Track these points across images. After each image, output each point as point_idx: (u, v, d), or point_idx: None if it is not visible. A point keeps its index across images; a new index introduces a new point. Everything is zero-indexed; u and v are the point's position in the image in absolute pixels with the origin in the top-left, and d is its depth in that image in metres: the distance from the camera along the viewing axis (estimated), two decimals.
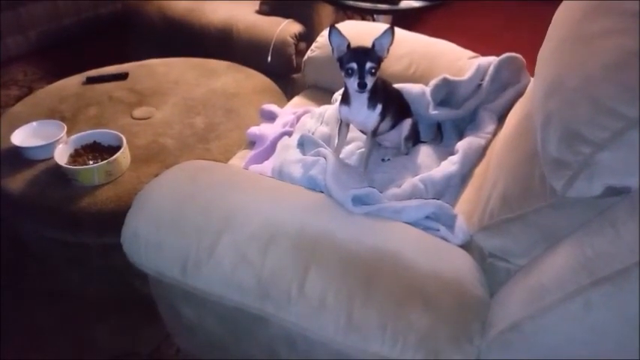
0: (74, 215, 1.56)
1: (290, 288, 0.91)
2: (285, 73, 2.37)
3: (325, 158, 1.21)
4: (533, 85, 1.02)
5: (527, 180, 0.92)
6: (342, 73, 1.21)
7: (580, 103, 0.77)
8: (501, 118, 1.44)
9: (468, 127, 1.47)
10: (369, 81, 1.18)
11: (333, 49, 1.21)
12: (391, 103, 1.34)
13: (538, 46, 1.03)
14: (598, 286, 0.70)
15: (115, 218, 1.56)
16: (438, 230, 1.07)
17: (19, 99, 2.35)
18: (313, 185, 1.15)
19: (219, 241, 0.96)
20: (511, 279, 0.91)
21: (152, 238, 1.00)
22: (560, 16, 1.00)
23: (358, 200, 1.07)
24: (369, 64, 1.17)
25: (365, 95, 1.25)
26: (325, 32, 1.81)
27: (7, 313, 1.69)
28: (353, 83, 1.19)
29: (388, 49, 1.20)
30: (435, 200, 1.12)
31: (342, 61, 1.21)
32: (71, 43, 3.35)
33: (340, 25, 1.85)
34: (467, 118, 1.49)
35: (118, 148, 1.65)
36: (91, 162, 1.64)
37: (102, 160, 1.62)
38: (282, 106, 1.97)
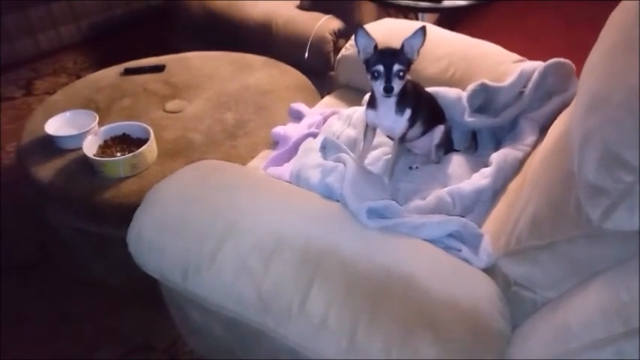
0: (98, 206, 1.56)
1: (291, 303, 0.85)
2: (322, 70, 2.30)
3: (345, 164, 1.14)
4: (576, 97, 0.91)
5: (561, 204, 0.82)
6: (368, 76, 1.14)
7: (624, 121, 0.66)
8: (544, 129, 1.32)
9: (506, 137, 1.36)
10: (397, 85, 1.10)
11: (359, 51, 1.14)
12: (422, 108, 1.25)
13: (589, 45, 0.91)
14: (632, 338, 0.61)
15: (137, 210, 1.57)
16: (460, 251, 0.98)
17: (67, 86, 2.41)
18: (329, 193, 1.09)
19: (222, 248, 0.91)
20: (537, 313, 0.82)
21: (155, 240, 0.96)
22: (614, 19, 0.89)
23: (374, 213, 1.00)
24: (396, 67, 1.09)
25: (392, 99, 1.17)
26: None
27: (30, 299, 1.73)
28: (379, 87, 1.11)
29: (419, 51, 1.11)
30: (459, 217, 1.03)
31: (368, 63, 1.13)
32: (121, 32, 3.42)
33: (378, 23, 1.79)
34: (506, 127, 1.38)
35: (146, 141, 1.64)
36: (118, 154, 1.63)
37: (129, 153, 1.61)
38: (314, 104, 1.92)
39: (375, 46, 1.12)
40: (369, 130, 1.30)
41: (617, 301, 0.65)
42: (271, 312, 0.87)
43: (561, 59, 1.35)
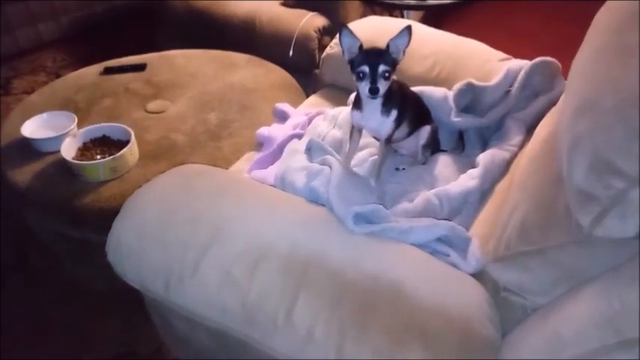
0: (78, 211, 1.52)
1: (277, 314, 0.83)
2: (307, 68, 2.28)
3: (330, 167, 1.12)
4: (563, 99, 0.90)
5: (550, 208, 0.80)
6: (353, 77, 1.11)
7: (614, 127, 0.65)
8: (530, 129, 1.31)
9: (492, 137, 1.34)
10: (382, 86, 1.08)
11: (343, 51, 1.12)
12: (408, 108, 1.23)
13: (575, 42, 0.90)
14: (625, 348, 0.59)
15: (117, 216, 1.53)
16: (448, 255, 0.96)
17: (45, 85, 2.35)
18: (315, 197, 1.06)
19: (205, 257, 0.89)
20: (527, 320, 0.81)
21: (135, 248, 0.93)
22: (601, 20, 0.87)
23: (361, 218, 0.97)
24: (382, 68, 1.07)
25: (378, 100, 1.15)
26: None
27: (9, 304, 1.68)
28: (364, 88, 1.09)
29: (404, 51, 1.09)
30: (446, 221, 1.02)
31: (353, 64, 1.11)
32: (102, 30, 3.35)
33: (363, 21, 1.76)
34: (492, 126, 1.37)
35: (127, 143, 1.60)
36: (98, 156, 1.59)
37: (109, 155, 1.57)
38: (299, 103, 1.89)
39: (360, 46, 1.10)
40: (355, 131, 1.27)
41: (609, 310, 0.64)
42: (256, 323, 0.84)
43: (547, 58, 1.34)
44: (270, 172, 1.23)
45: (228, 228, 0.92)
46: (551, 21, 3.19)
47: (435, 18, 2.31)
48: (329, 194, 1.02)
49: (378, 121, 1.19)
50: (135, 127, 1.69)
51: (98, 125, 1.66)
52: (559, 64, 1.35)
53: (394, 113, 1.18)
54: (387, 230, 0.97)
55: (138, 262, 0.92)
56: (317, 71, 2.30)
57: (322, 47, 2.25)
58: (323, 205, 1.04)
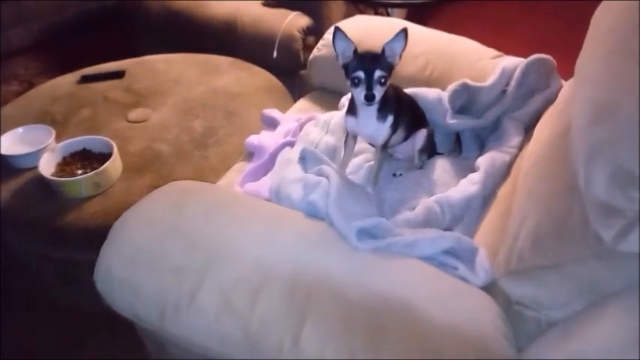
0: (60, 230, 1.44)
1: (282, 344, 0.78)
2: (291, 69, 2.22)
3: (328, 179, 1.07)
4: (571, 101, 0.86)
5: (564, 219, 0.77)
6: (348, 82, 1.07)
7: (637, 136, 0.61)
8: (528, 129, 1.28)
9: (490, 138, 1.31)
10: (378, 92, 1.04)
11: (337, 55, 1.07)
12: (404, 112, 1.18)
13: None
14: None
15: (102, 234, 1.42)
16: (456, 269, 0.92)
17: (19, 94, 2.24)
18: (313, 212, 1.02)
19: (202, 284, 0.83)
20: (545, 336, 0.77)
21: (126, 277, 0.87)
22: (604, 21, 0.84)
23: (364, 232, 0.93)
24: (378, 73, 1.02)
25: (374, 106, 1.11)
26: (333, 29, 1.66)
27: None
28: (359, 94, 1.04)
29: (401, 55, 1.05)
30: (452, 233, 0.98)
31: (347, 69, 1.06)
32: (75, 35, 3.23)
33: (350, 21, 1.71)
34: (489, 126, 1.33)
35: (109, 156, 1.53)
36: (79, 172, 1.52)
37: (91, 170, 1.50)
38: (287, 108, 1.83)
39: (355, 50, 1.05)
40: (350, 137, 1.23)
41: (635, 329, 0.61)
42: (261, 352, 0.80)
43: (542, 55, 1.31)
44: (264, 185, 1.18)
45: (224, 251, 0.87)
46: (533, 15, 3.18)
47: (418, 15, 2.27)
48: (328, 208, 0.98)
49: (374, 127, 1.15)
50: (116, 139, 1.62)
51: (78, 138, 1.59)
52: (554, 61, 1.32)
53: (390, 119, 1.14)
54: (392, 245, 0.92)
55: (130, 291, 0.87)
56: (302, 72, 2.25)
57: (306, 48, 2.20)
58: (322, 219, 1.00)
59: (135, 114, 1.81)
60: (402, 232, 0.98)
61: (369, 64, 1.02)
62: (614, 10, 0.80)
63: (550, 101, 1.27)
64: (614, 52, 0.73)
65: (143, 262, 0.87)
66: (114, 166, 1.52)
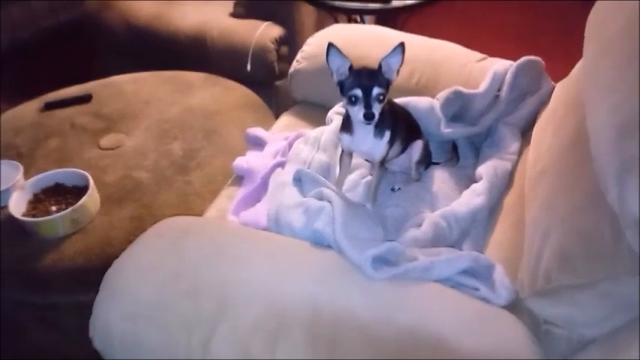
0: (38, 274, 1.34)
1: None
2: (267, 81, 2.16)
3: (330, 202, 1.02)
4: (576, 105, 0.83)
5: (592, 236, 0.74)
6: (344, 100, 1.02)
7: None
8: (524, 133, 1.27)
9: (484, 144, 1.29)
10: (377, 110, 0.99)
11: (332, 72, 1.02)
12: (400, 126, 1.14)
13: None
14: None
15: (86, 274, 1.36)
16: (477, 289, 0.88)
17: None
18: (319, 240, 0.96)
19: (215, 335, 0.77)
20: (580, 356, 0.74)
21: (128, 333, 0.80)
22: (614, 22, 0.82)
23: (378, 259, 0.88)
24: (376, 91, 0.98)
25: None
26: (312, 40, 1.61)
27: None
28: (357, 114, 0.99)
29: (398, 70, 1.01)
30: (469, 252, 0.94)
31: (343, 86, 1.01)
32: (29, 57, 3.06)
33: (330, 31, 1.66)
34: (482, 133, 1.31)
35: (84, 189, 1.43)
36: (53, 208, 1.42)
37: (66, 205, 1.40)
38: (268, 123, 1.76)
39: (351, 67, 1.00)
40: (345, 155, 1.18)
41: None
42: None
43: (532, 57, 1.29)
44: (260, 212, 1.11)
45: (234, 297, 0.80)
46: (500, 10, 3.21)
47: (388, 18, 2.24)
48: (336, 236, 0.93)
49: (371, 144, 1.10)
50: (90, 169, 1.53)
51: (48, 172, 1.48)
52: (542, 62, 1.31)
53: (387, 134, 1.10)
54: (409, 271, 0.88)
55: (133, 348, 0.79)
56: (278, 83, 2.19)
57: (280, 58, 2.14)
58: (329, 247, 0.95)
59: (107, 140, 1.71)
60: (415, 254, 0.94)
61: (366, 81, 0.98)
62: (624, 10, 0.78)
63: (543, 103, 1.26)
64: (631, 60, 0.70)
65: (146, 315, 0.80)
66: (91, 200, 1.42)
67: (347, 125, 1.11)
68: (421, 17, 2.37)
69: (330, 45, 0.99)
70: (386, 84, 1.00)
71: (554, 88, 1.25)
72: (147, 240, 0.91)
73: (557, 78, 1.24)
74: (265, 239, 0.96)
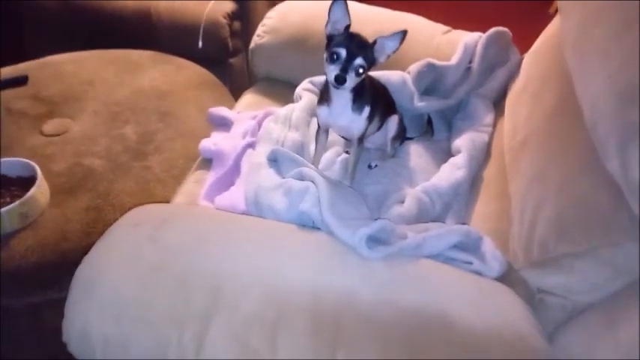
0: None
1: None
2: (220, 58, 2.05)
3: (314, 182, 0.98)
4: (555, 74, 0.83)
5: (589, 204, 0.74)
6: (325, 55, 0.96)
7: None
8: (495, 104, 1.27)
9: (457, 117, 1.28)
10: (351, 79, 0.94)
11: (327, 22, 0.96)
12: (378, 102, 1.11)
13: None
14: None
15: (39, 272, 1.24)
16: (470, 263, 0.88)
17: None
18: (306, 222, 0.92)
19: (209, 329, 0.71)
20: (583, 323, 0.75)
21: (112, 336, 0.72)
22: None
23: (370, 239, 0.85)
24: (358, 61, 0.94)
25: (348, 95, 1.02)
26: (273, 14, 1.54)
27: None
28: (331, 72, 0.94)
29: (389, 56, 0.96)
30: (460, 226, 0.93)
31: (330, 40, 0.96)
32: None
33: (290, 3, 1.59)
34: (454, 105, 1.30)
35: (30, 180, 1.30)
36: None
37: (12, 198, 1.27)
38: (226, 102, 1.68)
39: (347, 27, 0.96)
40: (322, 132, 1.13)
41: None
42: None
43: (500, 28, 1.29)
44: (237, 196, 1.05)
45: (226, 286, 0.75)
46: None
47: None
48: (324, 217, 0.89)
49: (349, 119, 1.06)
50: (35, 158, 1.39)
51: None
52: (510, 34, 1.31)
53: (367, 110, 1.06)
54: (403, 249, 0.85)
55: (119, 351, 0.72)
56: (232, 60, 2.10)
57: (233, 34, 2.04)
58: (317, 229, 0.91)
59: (51, 126, 1.57)
60: (404, 231, 0.92)
61: (355, 47, 0.93)
62: None
63: (512, 74, 1.26)
64: (632, 26, 0.70)
65: (129, 314, 0.73)
66: (40, 191, 1.30)
67: (325, 98, 1.06)
68: None
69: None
70: (371, 61, 0.96)
71: (522, 59, 1.26)
72: (121, 230, 0.83)
73: None
74: (251, 224, 0.90)
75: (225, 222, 0.89)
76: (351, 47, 0.93)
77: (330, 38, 0.96)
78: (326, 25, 0.96)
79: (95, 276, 0.77)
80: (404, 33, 0.94)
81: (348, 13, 0.95)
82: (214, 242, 0.81)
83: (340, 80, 0.94)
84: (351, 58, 0.93)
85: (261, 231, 0.87)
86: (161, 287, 0.74)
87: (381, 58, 0.96)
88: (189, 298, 0.73)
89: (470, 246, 0.91)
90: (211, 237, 0.82)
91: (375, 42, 0.95)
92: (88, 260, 0.80)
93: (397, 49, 0.96)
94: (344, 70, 0.94)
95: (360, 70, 0.95)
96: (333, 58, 0.94)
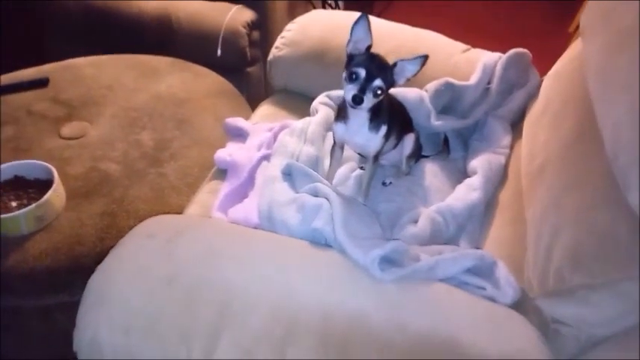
0: (0, 276, 1.23)
1: None
2: (238, 67, 2.07)
3: (328, 199, 0.97)
4: (574, 99, 0.82)
5: (607, 236, 0.73)
6: (344, 73, 0.96)
7: None
8: (513, 126, 1.26)
9: (474, 137, 1.27)
10: (368, 100, 0.94)
11: (349, 41, 0.96)
12: (396, 120, 1.11)
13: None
14: None
15: (52, 275, 1.25)
16: (483, 289, 0.87)
17: None
18: (318, 239, 0.92)
19: (218, 346, 0.71)
20: (591, 355, 0.73)
21: (121, 347, 0.73)
22: (621, 16, 0.80)
23: (383, 259, 0.85)
24: (377, 82, 0.93)
25: (365, 114, 1.02)
26: (293, 26, 1.54)
27: None
28: (349, 92, 0.93)
29: (409, 79, 0.96)
30: (474, 250, 0.92)
31: (350, 60, 0.96)
32: None
33: (309, 17, 1.60)
34: (471, 125, 1.29)
35: (47, 182, 1.32)
36: (14, 204, 1.30)
37: (28, 200, 1.29)
38: (243, 112, 1.69)
39: (369, 47, 0.96)
40: (337, 147, 1.13)
41: None
42: None
43: (520, 50, 1.28)
44: (251, 209, 1.05)
45: (236, 301, 0.75)
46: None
47: (362, 8, 2.20)
48: (337, 236, 0.88)
49: (366, 137, 1.06)
50: (52, 160, 1.41)
51: (7, 164, 1.36)
52: (530, 55, 1.30)
53: (384, 129, 1.06)
54: (416, 271, 0.85)
55: None
56: (250, 69, 2.11)
57: (252, 43, 2.06)
58: (328, 245, 0.91)
59: (69, 129, 1.59)
60: (417, 253, 0.91)
61: (375, 68, 0.93)
62: (634, 5, 0.77)
63: (532, 96, 1.25)
64: None
65: (139, 327, 0.73)
66: (57, 194, 1.31)
67: (342, 115, 1.06)
68: (392, 7, 2.34)
69: (365, 15, 0.94)
70: (390, 83, 0.96)
71: (541, 81, 1.25)
72: (136, 240, 0.83)
73: None
74: (263, 239, 0.90)
75: (238, 236, 0.89)
76: (370, 68, 0.93)
77: (350, 57, 0.96)
78: (347, 43, 0.96)
79: (106, 286, 0.77)
80: (425, 58, 0.94)
81: (371, 33, 0.95)
82: (226, 256, 0.81)
83: (357, 100, 0.94)
84: (370, 78, 0.93)
85: (272, 247, 0.87)
86: (170, 300, 0.75)
87: (400, 81, 0.96)
88: (198, 312, 0.73)
89: (484, 271, 0.90)
90: (223, 251, 0.82)
91: (395, 64, 0.95)
92: (100, 270, 0.80)
93: (417, 73, 0.95)
94: (362, 91, 0.93)
95: (379, 92, 0.95)
96: (352, 78, 0.94)
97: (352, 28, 0.95)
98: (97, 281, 0.79)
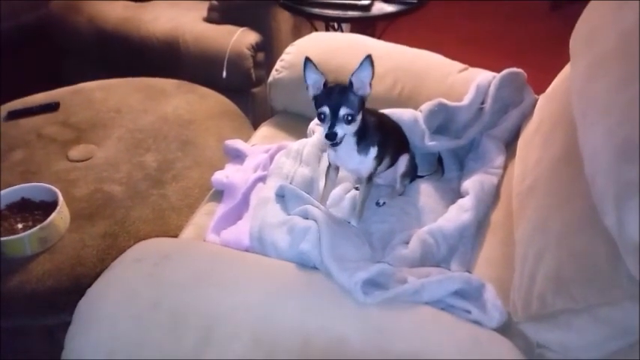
0: (4, 297, 1.26)
1: None
2: (243, 88, 2.11)
3: (316, 222, 0.98)
4: (562, 121, 0.82)
5: (588, 259, 0.72)
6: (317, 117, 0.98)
7: None
8: (507, 145, 1.26)
9: (468, 157, 1.27)
10: (342, 130, 0.95)
11: (308, 86, 0.98)
12: (389, 141, 1.11)
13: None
14: None
15: (54, 295, 1.29)
16: (468, 312, 0.86)
17: None
18: (305, 261, 0.93)
19: None
20: None
21: None
22: (606, 41, 0.81)
23: (368, 282, 0.85)
24: (343, 111, 0.94)
25: (352, 139, 1.03)
26: (291, 49, 1.57)
27: None
28: (323, 132, 0.95)
29: (370, 84, 0.97)
30: (460, 273, 0.92)
31: (316, 102, 0.98)
32: None
33: (308, 39, 1.62)
34: (466, 145, 1.29)
35: (53, 205, 1.36)
36: (19, 225, 1.34)
37: (34, 222, 1.33)
38: (246, 132, 1.72)
39: (325, 83, 0.97)
40: (332, 169, 1.15)
41: None
42: None
43: (514, 69, 1.28)
44: (242, 231, 1.07)
45: (218, 327, 0.76)
46: (469, 15, 3.24)
47: (365, 29, 2.22)
48: (323, 258, 0.89)
49: (357, 160, 1.07)
50: (59, 182, 1.46)
51: (14, 187, 1.40)
52: (525, 75, 1.30)
53: (373, 151, 1.06)
54: (400, 294, 0.85)
55: None
56: (254, 90, 2.15)
57: (257, 65, 2.10)
58: (315, 268, 0.91)
59: (76, 152, 1.63)
60: (404, 275, 0.91)
61: (334, 100, 0.94)
62: (615, 28, 0.77)
63: (526, 115, 1.25)
64: (632, 81, 0.69)
65: (123, 350, 0.75)
66: (61, 216, 1.35)
67: None
68: (394, 25, 2.36)
69: (307, 60, 0.96)
70: (358, 102, 0.96)
71: (536, 100, 1.25)
72: (124, 266, 0.85)
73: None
74: (250, 263, 0.91)
75: (224, 260, 0.90)
76: (331, 101, 0.94)
77: (315, 100, 0.97)
78: (307, 89, 0.98)
79: (93, 311, 0.79)
80: (369, 58, 0.94)
81: (319, 71, 0.96)
82: (210, 281, 0.82)
83: (331, 137, 0.95)
84: (335, 112, 0.94)
85: (257, 271, 0.88)
86: (155, 324, 0.76)
87: (366, 91, 0.97)
88: (182, 337, 0.75)
89: (471, 294, 0.90)
90: (208, 276, 0.84)
91: (350, 82, 0.95)
92: (89, 293, 0.82)
93: (373, 73, 0.95)
94: (331, 127, 0.94)
95: (349, 118, 0.96)
96: (321, 118, 0.96)
97: (304, 75, 0.97)
98: (85, 304, 0.81)
